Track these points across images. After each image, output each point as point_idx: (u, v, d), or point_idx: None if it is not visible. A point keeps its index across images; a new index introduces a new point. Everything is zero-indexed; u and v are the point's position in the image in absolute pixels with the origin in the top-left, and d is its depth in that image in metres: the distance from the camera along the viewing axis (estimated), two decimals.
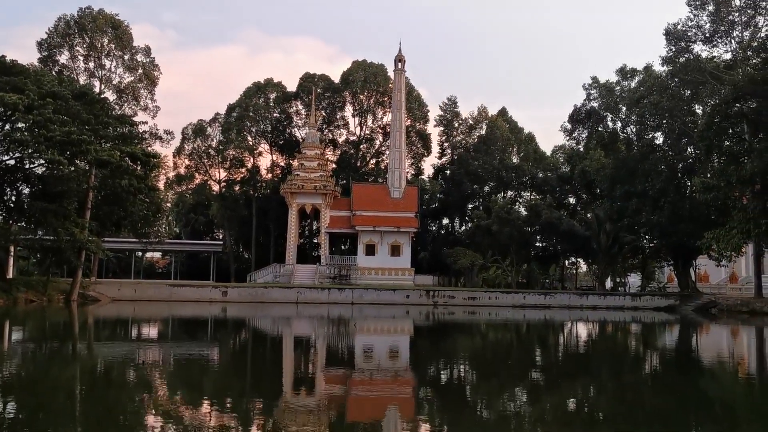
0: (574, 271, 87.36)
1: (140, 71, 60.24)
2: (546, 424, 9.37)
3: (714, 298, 53.08)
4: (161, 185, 69.77)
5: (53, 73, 54.49)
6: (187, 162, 77.14)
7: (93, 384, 12.68)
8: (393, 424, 9.30)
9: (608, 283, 68.85)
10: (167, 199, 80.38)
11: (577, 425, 9.31)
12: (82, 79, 58.21)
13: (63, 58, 59.42)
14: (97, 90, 56.21)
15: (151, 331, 27.07)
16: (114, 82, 59.91)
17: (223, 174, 78.40)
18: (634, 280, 73.87)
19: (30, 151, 42.70)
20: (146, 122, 57.13)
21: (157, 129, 57.33)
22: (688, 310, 51.85)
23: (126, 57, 59.80)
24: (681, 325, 37.02)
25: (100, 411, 9.81)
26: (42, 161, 43.88)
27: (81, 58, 59.17)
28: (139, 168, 48.54)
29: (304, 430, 8.54)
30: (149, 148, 52.94)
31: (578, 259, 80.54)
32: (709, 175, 47.83)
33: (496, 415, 10.02)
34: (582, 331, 32.30)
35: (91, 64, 59.40)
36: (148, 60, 60.72)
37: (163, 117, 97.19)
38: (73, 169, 45.20)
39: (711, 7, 48.84)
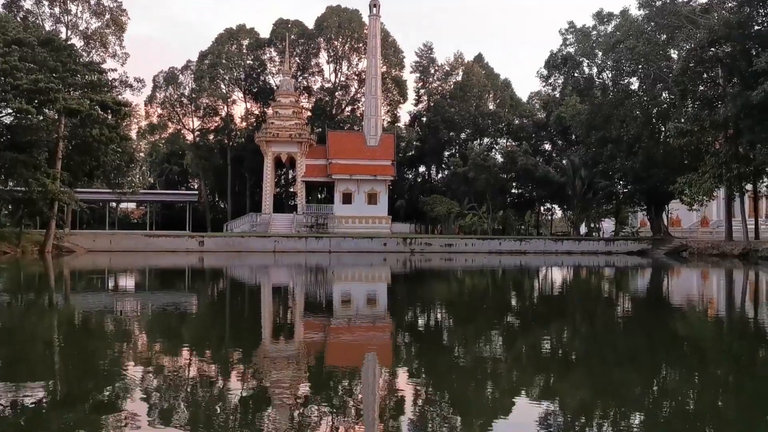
0: (550, 218, 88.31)
1: (107, 16, 58.47)
2: (521, 367, 9.56)
3: (685, 242, 54.11)
4: (133, 135, 68.69)
5: (18, 19, 52.75)
6: (159, 111, 75.88)
7: (71, 335, 12.66)
8: (372, 369, 9.43)
9: (583, 229, 69.77)
10: (140, 149, 79.25)
11: (550, 367, 9.52)
12: (48, 25, 56.56)
13: (28, 3, 57.51)
14: (63, 36, 54.72)
15: (128, 282, 26.99)
16: (81, 28, 58.24)
17: (196, 123, 77.28)
18: (608, 225, 74.89)
19: None
20: (115, 70, 55.84)
21: (127, 77, 55.98)
22: (660, 253, 52.85)
23: (92, 1, 57.95)
24: (652, 269, 37.76)
25: (79, 361, 9.81)
26: (9, 110, 42.84)
27: (46, 2, 57.24)
28: (110, 117, 47.62)
29: (284, 377, 8.63)
30: (120, 97, 51.83)
31: (553, 206, 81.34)
32: (683, 120, 48.09)
33: (472, 358, 10.20)
34: (556, 275, 32.82)
35: (57, 9, 57.60)
36: (115, 4, 58.90)
37: (133, 64, 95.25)
38: (41, 118, 44.24)
39: None
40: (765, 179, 51.13)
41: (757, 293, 23.31)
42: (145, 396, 7.43)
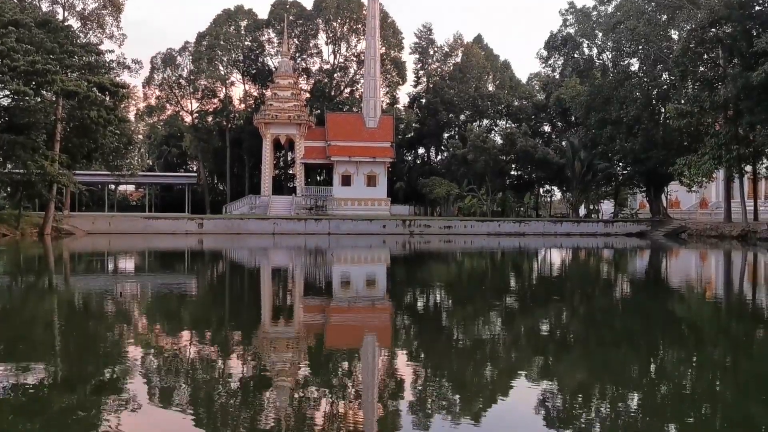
0: (549, 199, 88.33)
1: None
2: (519, 348, 9.62)
3: (684, 224, 54.17)
4: (132, 117, 68.41)
5: (14, 0, 52.33)
6: (157, 93, 75.54)
7: (71, 316, 12.71)
8: (371, 350, 9.48)
9: (582, 211, 69.80)
10: (139, 131, 78.99)
11: (549, 348, 9.57)
12: (45, 6, 56.11)
13: None
14: (60, 17, 54.27)
15: (128, 264, 27.04)
16: (77, 9, 57.79)
17: (195, 105, 76.98)
18: (607, 207, 74.88)
19: None
20: (113, 51, 55.36)
21: (124, 58, 55.51)
22: (658, 235, 52.89)
23: None
24: (651, 250, 37.82)
25: (80, 342, 9.86)
26: (7, 92, 42.68)
27: None
28: (107, 99, 47.42)
29: (283, 358, 8.68)
30: (117, 78, 51.52)
31: (552, 187, 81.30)
32: (683, 102, 47.97)
33: (471, 339, 10.25)
34: (555, 257, 32.88)
35: None
36: None
37: (131, 46, 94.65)
38: (39, 100, 44.11)
39: None
40: (765, 161, 51.11)
41: (755, 274, 23.37)
42: (145, 377, 7.48)
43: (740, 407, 6.63)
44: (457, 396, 6.89)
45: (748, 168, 49.66)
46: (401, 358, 8.75)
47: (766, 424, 5.99)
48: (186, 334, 10.60)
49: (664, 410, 6.44)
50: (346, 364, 8.50)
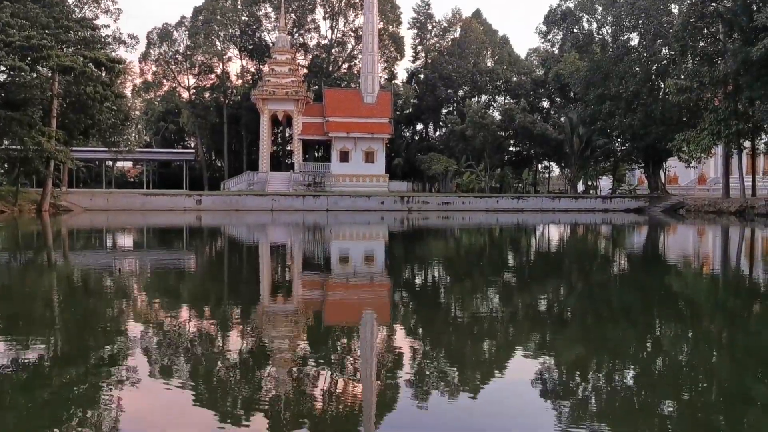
0: (547, 175, 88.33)
1: None
2: (517, 323, 9.67)
3: (682, 200, 54.25)
4: (128, 92, 68.00)
5: None
6: (153, 68, 75.06)
7: (71, 292, 12.74)
8: (369, 326, 9.52)
9: (580, 187, 69.86)
10: (135, 107, 78.54)
11: (546, 323, 9.62)
12: None
13: None
14: None
15: (127, 241, 27.05)
16: None
17: (192, 80, 76.56)
18: (605, 183, 74.95)
19: None
20: (108, 26, 55.50)
21: (120, 33, 55.36)
22: (656, 211, 52.99)
23: None
24: (648, 226, 37.90)
25: (79, 318, 9.89)
26: (2, 68, 42.40)
27: None
28: (104, 74, 47.14)
29: (282, 334, 8.72)
30: (113, 54, 51.19)
31: (551, 163, 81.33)
32: (682, 77, 47.78)
33: (469, 315, 10.30)
34: (553, 233, 32.94)
35: None
36: None
37: (126, 21, 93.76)
38: (35, 76, 43.88)
39: None
40: (763, 136, 51.07)
41: (752, 250, 23.44)
42: (144, 352, 7.51)
43: (737, 381, 6.68)
44: (456, 371, 6.94)
45: (747, 144, 49.63)
46: (400, 334, 8.80)
47: (762, 397, 6.04)
48: (185, 310, 10.64)
49: (661, 384, 6.49)
50: (344, 340, 8.55)
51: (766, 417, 5.51)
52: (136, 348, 7.70)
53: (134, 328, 8.90)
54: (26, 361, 7.06)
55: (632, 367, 7.19)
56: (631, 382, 6.59)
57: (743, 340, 8.82)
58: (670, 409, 5.69)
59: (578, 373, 6.89)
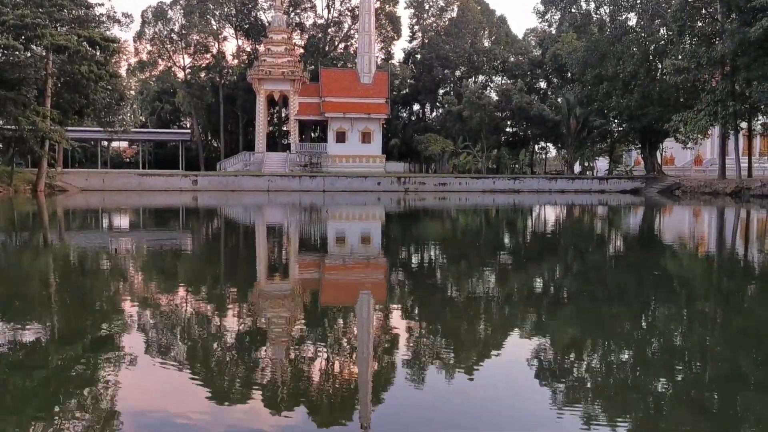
0: (544, 156, 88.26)
1: None
2: (513, 304, 9.70)
3: (678, 181, 54.30)
4: (123, 72, 67.56)
5: None
6: (148, 47, 74.50)
7: (67, 272, 12.74)
8: (366, 306, 9.55)
9: (577, 168, 69.83)
10: (130, 87, 78.12)
11: (542, 304, 9.67)
12: None
13: None
14: None
15: (123, 221, 27.02)
16: None
17: (187, 60, 76.06)
18: (602, 164, 74.94)
19: None
20: (102, 4, 54.72)
21: (114, 12, 54.63)
22: (652, 192, 53.06)
23: None
24: (644, 207, 37.96)
25: (76, 298, 9.91)
26: None
27: None
28: (98, 53, 46.81)
29: (278, 314, 8.75)
30: (108, 33, 50.78)
31: (548, 144, 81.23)
32: (680, 57, 47.61)
33: (465, 296, 10.34)
34: (549, 214, 32.99)
35: None
36: None
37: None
38: (29, 55, 43.54)
39: None
40: (760, 117, 51.02)
41: (747, 230, 23.51)
42: (141, 333, 7.53)
43: (731, 361, 6.73)
44: (452, 351, 6.97)
45: (744, 125, 49.58)
46: (396, 314, 8.83)
47: (755, 376, 6.09)
48: (181, 291, 10.65)
49: (656, 364, 6.54)
50: (341, 320, 8.58)
51: (760, 396, 5.55)
52: (133, 328, 7.72)
53: (131, 309, 8.92)
54: (23, 341, 7.07)
55: (627, 347, 7.23)
56: (626, 363, 6.64)
57: (738, 320, 8.87)
58: (665, 388, 5.74)
59: (574, 353, 6.94)
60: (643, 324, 8.51)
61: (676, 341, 7.60)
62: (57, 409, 5.15)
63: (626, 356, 6.87)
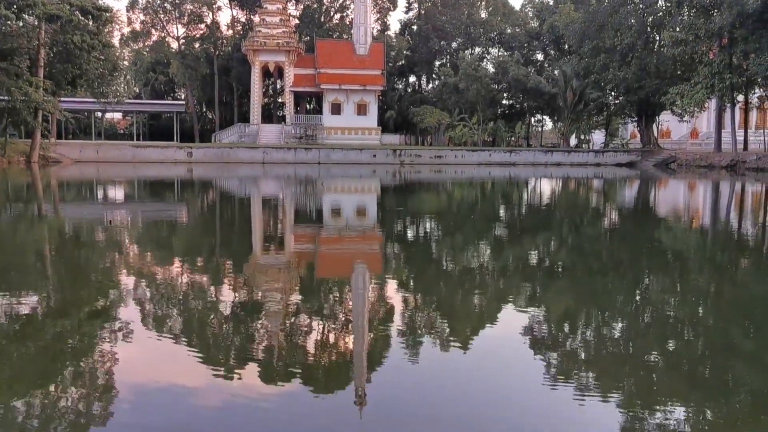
0: (540, 129, 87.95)
1: None
2: (507, 276, 9.74)
3: (674, 154, 54.27)
4: (116, 42, 66.76)
5: None
6: (141, 17, 73.57)
7: (62, 243, 12.73)
8: (361, 279, 9.59)
9: (573, 141, 69.63)
10: (124, 57, 77.25)
11: (536, 276, 9.71)
12: None
13: None
14: None
15: (118, 192, 26.95)
16: None
17: (181, 30, 75.17)
18: (598, 137, 74.74)
19: None
20: None
21: None
22: (648, 165, 53.06)
23: None
24: (639, 180, 38.00)
25: (71, 270, 9.91)
26: None
27: None
28: (90, 23, 46.26)
29: (274, 286, 8.77)
30: (100, 2, 50.10)
31: (544, 117, 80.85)
32: (678, 29, 47.26)
33: (460, 268, 10.38)
34: (545, 187, 33.01)
35: None
36: None
37: None
38: (21, 24, 42.99)
39: None
40: (757, 90, 50.85)
41: (742, 204, 23.58)
42: (136, 303, 7.55)
43: (723, 332, 6.79)
44: (447, 323, 7.01)
45: (741, 98, 49.46)
46: (391, 286, 8.87)
47: (747, 347, 6.16)
48: (177, 262, 10.66)
49: (649, 335, 6.60)
50: (336, 292, 8.61)
51: (751, 367, 5.61)
52: (129, 299, 7.74)
53: (126, 280, 8.93)
54: (18, 312, 7.08)
55: (621, 319, 7.28)
56: (619, 334, 6.69)
57: (731, 292, 8.94)
58: (657, 359, 5.79)
59: (567, 324, 6.99)
60: (637, 296, 8.57)
61: (670, 313, 7.66)
62: (53, 379, 5.18)
63: (620, 328, 6.92)
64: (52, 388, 4.98)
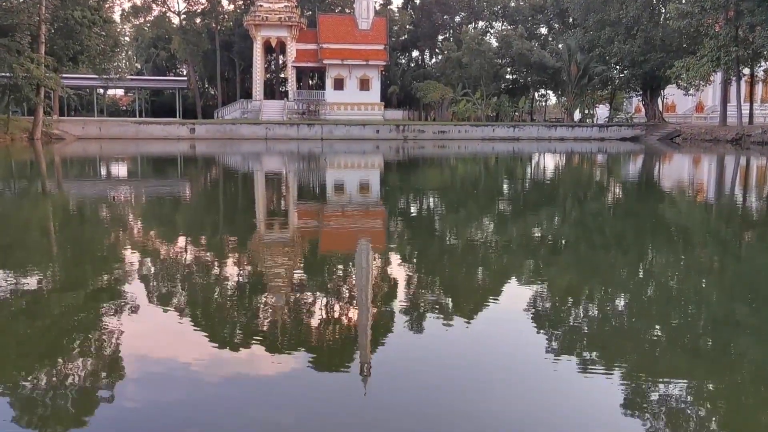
0: (544, 104, 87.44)
1: None
2: (510, 251, 9.75)
3: (679, 128, 53.96)
4: (117, 17, 66.30)
5: None
6: None
7: (67, 220, 12.76)
8: (364, 254, 9.60)
9: (577, 115, 69.21)
10: (125, 33, 76.79)
11: (540, 251, 9.71)
12: None
13: None
14: None
15: (121, 169, 26.94)
16: None
17: (182, 5, 74.43)
18: (602, 111, 74.31)
19: None
20: None
21: None
22: (653, 139, 52.80)
23: None
24: (644, 155, 37.84)
25: (76, 246, 9.94)
26: None
27: None
28: None
29: (278, 262, 8.79)
30: None
31: (548, 92, 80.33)
32: (684, 1, 46.76)
33: (464, 243, 10.38)
34: (549, 162, 32.90)
35: None
36: None
37: None
38: (21, 0, 42.67)
39: None
40: (763, 63, 50.40)
41: (746, 178, 23.49)
42: (140, 280, 7.58)
43: (727, 306, 6.80)
44: (451, 297, 7.03)
45: (746, 71, 49.05)
46: (395, 261, 8.88)
47: (750, 322, 6.17)
48: (181, 239, 10.69)
49: (652, 309, 6.61)
50: (340, 268, 8.63)
51: (754, 340, 5.63)
52: (132, 275, 7.77)
53: (130, 256, 8.96)
54: (23, 288, 7.12)
55: (625, 293, 7.30)
56: (622, 309, 6.71)
57: (734, 266, 8.93)
58: (660, 333, 5.81)
59: (570, 300, 7.00)
60: (641, 271, 8.57)
61: (673, 287, 7.67)
62: (59, 355, 5.21)
63: (624, 302, 6.93)
64: (57, 363, 5.01)
